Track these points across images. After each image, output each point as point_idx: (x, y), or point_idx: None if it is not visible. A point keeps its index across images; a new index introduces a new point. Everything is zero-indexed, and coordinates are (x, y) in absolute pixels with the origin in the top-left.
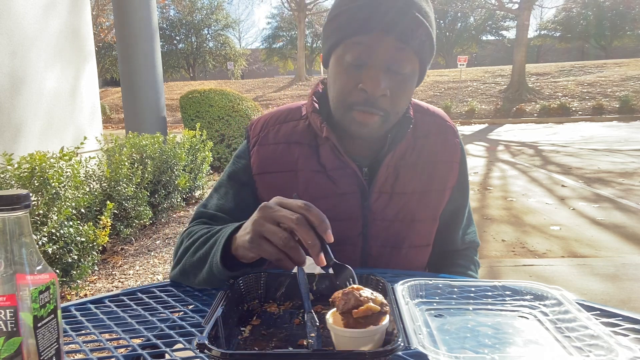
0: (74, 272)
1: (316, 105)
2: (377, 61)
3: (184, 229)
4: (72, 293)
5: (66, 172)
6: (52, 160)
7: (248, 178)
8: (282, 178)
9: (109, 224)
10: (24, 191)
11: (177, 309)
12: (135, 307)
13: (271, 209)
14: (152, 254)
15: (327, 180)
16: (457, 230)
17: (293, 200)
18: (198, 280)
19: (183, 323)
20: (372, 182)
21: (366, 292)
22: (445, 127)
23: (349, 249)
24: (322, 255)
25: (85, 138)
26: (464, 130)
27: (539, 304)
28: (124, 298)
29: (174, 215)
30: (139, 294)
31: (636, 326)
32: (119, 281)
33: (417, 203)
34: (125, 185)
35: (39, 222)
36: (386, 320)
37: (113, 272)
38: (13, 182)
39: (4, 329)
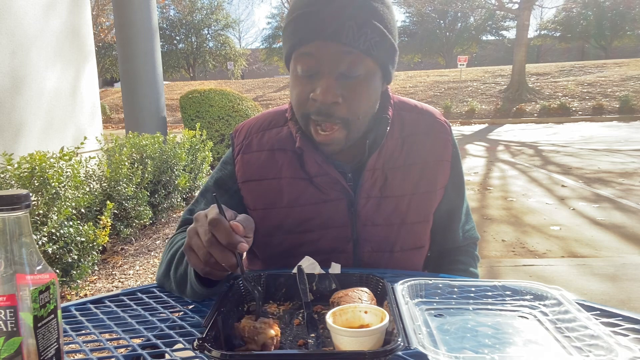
0: (74, 272)
1: (293, 112)
2: (326, 69)
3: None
4: (72, 293)
5: (66, 172)
6: (52, 160)
7: (234, 185)
8: (267, 185)
9: (109, 224)
10: (24, 191)
11: (177, 309)
12: (135, 307)
13: (197, 222)
14: (152, 254)
15: (312, 187)
16: (457, 229)
17: (207, 214)
18: (188, 295)
19: (183, 323)
20: (357, 187)
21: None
22: (435, 124)
23: (341, 257)
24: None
25: (85, 138)
26: (464, 130)
27: (539, 304)
28: (124, 298)
29: (174, 215)
30: (139, 294)
31: (636, 326)
32: (119, 281)
33: (408, 205)
34: (125, 185)
35: (39, 222)
36: (386, 320)
37: (113, 272)
38: (13, 182)
39: (4, 329)
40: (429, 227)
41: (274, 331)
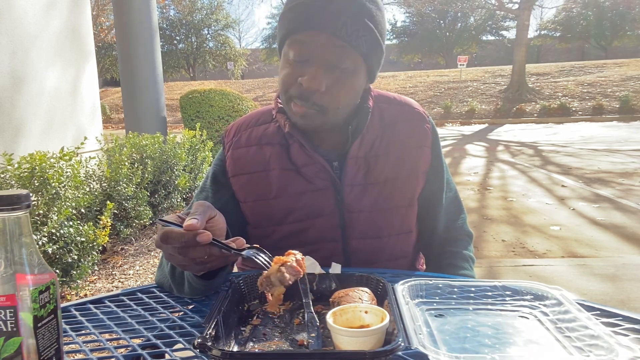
0: (74, 272)
1: (280, 105)
2: (316, 57)
3: None
4: (72, 293)
5: (66, 172)
6: (52, 160)
7: (226, 180)
8: (255, 178)
9: (109, 224)
10: (24, 191)
11: (177, 309)
12: (135, 307)
13: (161, 248)
14: (152, 254)
15: (299, 177)
16: (438, 214)
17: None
18: (187, 293)
19: (183, 323)
20: (342, 175)
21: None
22: (413, 114)
23: (329, 245)
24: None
25: (85, 138)
26: (464, 130)
27: (539, 304)
28: (124, 298)
29: None
30: (139, 294)
31: (636, 326)
32: (119, 281)
33: (391, 191)
34: (125, 185)
35: (39, 222)
36: (386, 320)
37: (113, 272)
38: (13, 182)
39: (4, 329)
40: (414, 211)
41: (281, 264)
